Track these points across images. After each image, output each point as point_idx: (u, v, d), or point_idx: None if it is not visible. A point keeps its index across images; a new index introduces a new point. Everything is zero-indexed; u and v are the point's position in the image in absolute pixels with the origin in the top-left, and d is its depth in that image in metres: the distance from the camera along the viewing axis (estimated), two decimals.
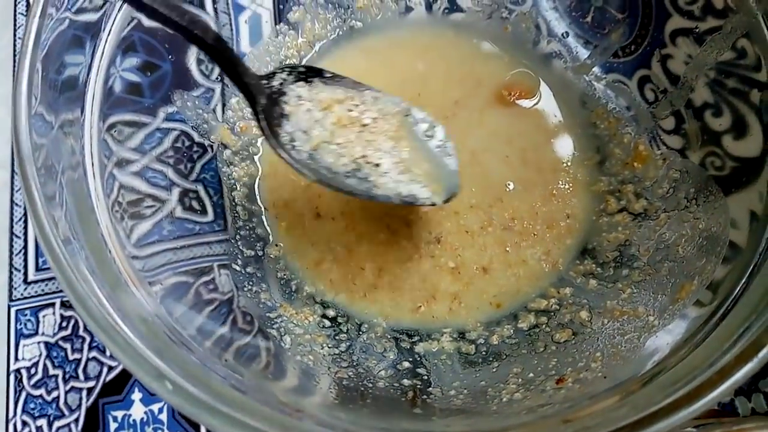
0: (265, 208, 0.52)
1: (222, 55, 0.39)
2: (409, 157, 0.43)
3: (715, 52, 0.43)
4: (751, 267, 0.35)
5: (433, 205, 0.42)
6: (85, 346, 0.51)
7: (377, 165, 0.42)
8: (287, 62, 0.55)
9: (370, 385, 0.42)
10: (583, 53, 0.52)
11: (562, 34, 0.53)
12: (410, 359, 0.45)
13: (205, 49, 0.39)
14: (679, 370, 0.32)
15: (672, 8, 0.46)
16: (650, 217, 0.46)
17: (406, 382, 0.43)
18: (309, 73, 0.44)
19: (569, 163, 0.51)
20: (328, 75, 0.45)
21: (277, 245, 0.51)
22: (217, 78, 0.51)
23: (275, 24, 0.54)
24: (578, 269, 0.48)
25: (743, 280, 0.35)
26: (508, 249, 0.49)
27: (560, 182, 0.50)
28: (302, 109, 0.42)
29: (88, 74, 0.41)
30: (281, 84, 0.43)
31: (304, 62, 0.55)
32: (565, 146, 0.51)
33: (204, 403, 0.31)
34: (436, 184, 0.43)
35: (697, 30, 0.45)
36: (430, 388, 0.42)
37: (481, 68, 0.54)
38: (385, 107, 0.45)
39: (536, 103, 0.52)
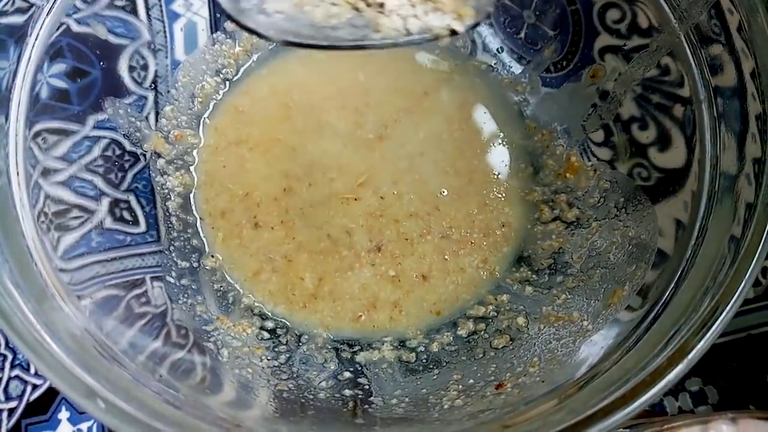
0: (200, 219, 0.51)
1: None
2: None
3: (642, 69, 0.45)
4: (679, 273, 0.36)
5: (453, 34, 0.33)
6: (7, 365, 0.48)
7: (381, 4, 0.34)
8: (225, 71, 0.54)
9: (311, 396, 0.41)
10: (518, 68, 0.54)
11: (497, 50, 0.54)
12: (351, 369, 0.45)
13: None
14: (614, 373, 0.33)
15: (600, 27, 0.48)
16: (582, 225, 0.48)
17: (347, 392, 0.42)
18: None
19: (504, 174, 0.52)
20: None
21: (213, 256, 0.49)
22: (150, 85, 0.50)
23: (212, 32, 0.53)
24: (515, 276, 0.49)
25: (671, 286, 0.36)
26: (446, 257, 0.50)
27: (495, 191, 0.52)
28: None
29: (13, 80, 0.39)
30: None
31: (241, 72, 0.55)
32: (500, 157, 0.53)
33: (138, 421, 0.30)
34: (463, 5, 0.34)
35: (624, 47, 0.47)
36: (372, 398, 0.42)
37: (424, 79, 0.55)
38: None
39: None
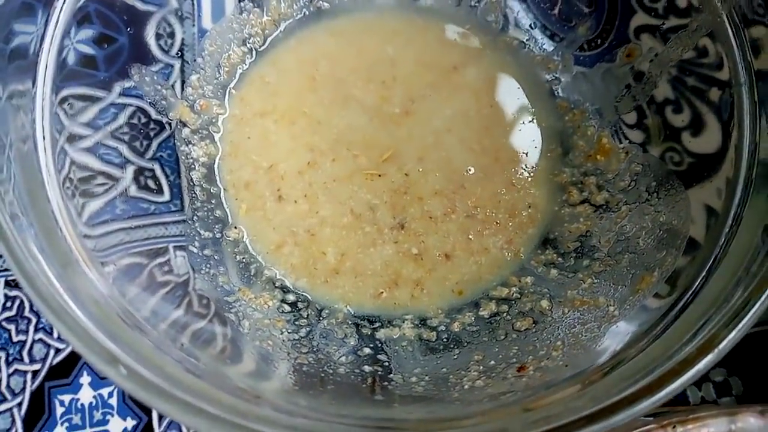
0: (224, 189, 0.51)
1: None
2: None
3: (680, 50, 0.44)
4: (710, 262, 0.36)
5: None
6: (31, 328, 0.49)
7: None
8: (251, 41, 0.53)
9: (330, 371, 0.41)
10: (550, 45, 0.53)
11: (530, 26, 0.53)
12: (371, 345, 0.45)
13: None
14: (639, 361, 0.32)
15: (637, 5, 0.47)
16: (611, 209, 0.47)
17: (366, 368, 0.42)
18: None
19: (532, 153, 0.51)
20: None
21: (236, 227, 0.49)
22: (176, 54, 0.50)
23: (239, 0, 0.53)
24: (539, 258, 0.48)
25: (702, 275, 0.35)
26: (470, 237, 0.49)
27: (522, 171, 0.51)
28: None
29: (40, 44, 0.39)
30: None
31: (268, 42, 0.54)
32: (528, 136, 0.52)
33: (158, 388, 0.30)
34: None
35: (663, 26, 0.45)
36: (391, 375, 0.42)
37: (454, 54, 0.54)
38: None
39: None
